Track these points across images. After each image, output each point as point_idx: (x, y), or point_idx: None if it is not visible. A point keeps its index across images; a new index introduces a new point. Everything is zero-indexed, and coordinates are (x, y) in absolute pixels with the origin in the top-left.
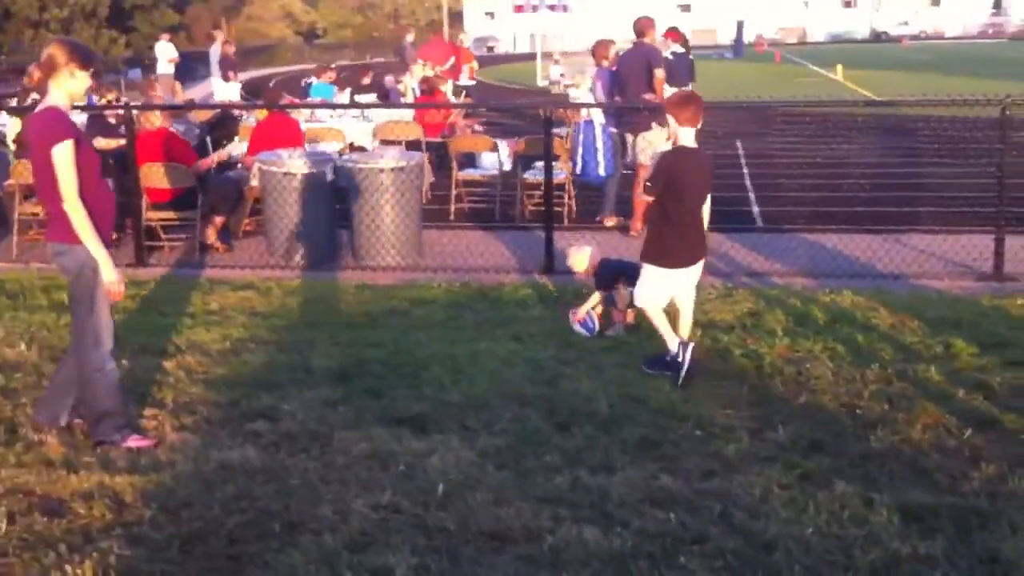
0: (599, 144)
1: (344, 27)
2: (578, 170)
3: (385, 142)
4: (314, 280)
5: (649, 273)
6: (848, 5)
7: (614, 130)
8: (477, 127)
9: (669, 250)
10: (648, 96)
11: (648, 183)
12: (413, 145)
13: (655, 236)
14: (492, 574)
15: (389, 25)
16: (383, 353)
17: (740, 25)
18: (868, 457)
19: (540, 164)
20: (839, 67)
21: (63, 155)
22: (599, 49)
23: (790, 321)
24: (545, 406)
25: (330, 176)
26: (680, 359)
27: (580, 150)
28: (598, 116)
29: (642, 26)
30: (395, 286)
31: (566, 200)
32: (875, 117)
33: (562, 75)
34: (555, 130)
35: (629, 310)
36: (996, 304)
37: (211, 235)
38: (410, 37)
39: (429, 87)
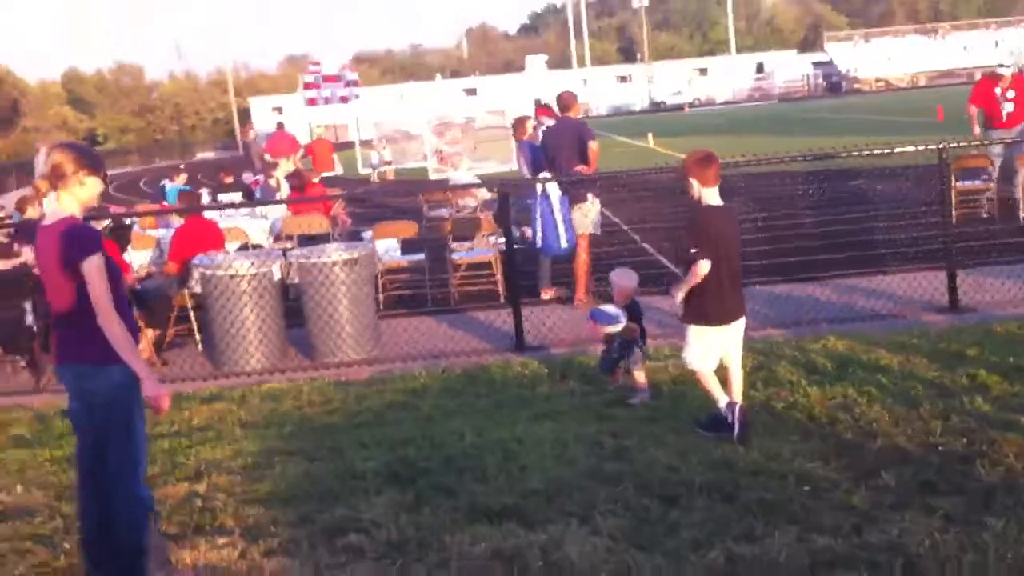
0: (558, 216)
1: (126, 131)
2: (538, 244)
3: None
4: (283, 383)
5: (696, 334)
6: (624, 80)
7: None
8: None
9: (712, 308)
10: (581, 168)
11: (695, 249)
12: (322, 239)
13: (697, 296)
14: None
15: (173, 127)
16: (423, 449)
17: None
18: (991, 491)
19: (467, 244)
20: (650, 136)
21: (95, 267)
22: (519, 125)
23: (801, 370)
24: (634, 481)
25: (278, 275)
26: (730, 420)
27: (539, 224)
28: (554, 189)
29: (567, 100)
30: (374, 380)
31: (498, 277)
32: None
33: (387, 161)
34: (439, 211)
35: (640, 372)
36: (981, 331)
37: (146, 350)
38: (252, 134)
39: (300, 181)
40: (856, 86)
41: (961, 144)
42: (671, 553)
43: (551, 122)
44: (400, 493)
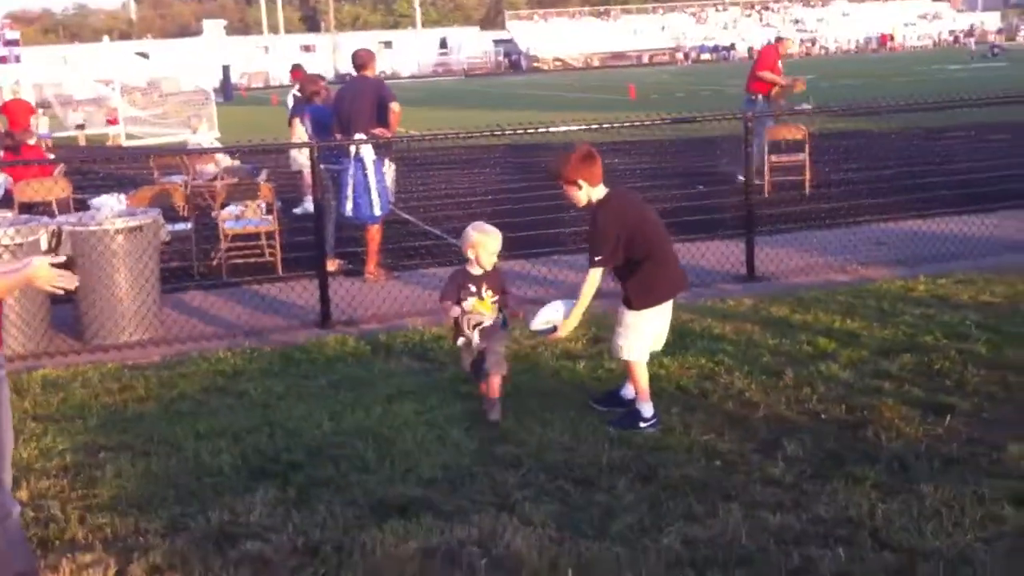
0: (371, 182)
1: None
2: (348, 211)
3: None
4: (59, 369)
5: (639, 320)
6: (308, 49)
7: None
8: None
9: (660, 286)
10: (379, 131)
11: (596, 257)
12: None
13: (642, 281)
14: None
15: None
16: (275, 439)
17: (226, 69)
18: (900, 458)
19: (235, 212)
20: None
21: None
22: (310, 86)
23: None
24: (536, 464)
25: (44, 246)
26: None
27: (350, 189)
28: (368, 153)
29: (363, 59)
30: (169, 363)
31: (277, 249)
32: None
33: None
34: (172, 178)
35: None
36: (792, 299)
37: None
38: None
39: (15, 142)
40: (535, 64)
41: (768, 115)
42: (621, 540)
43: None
44: (277, 490)
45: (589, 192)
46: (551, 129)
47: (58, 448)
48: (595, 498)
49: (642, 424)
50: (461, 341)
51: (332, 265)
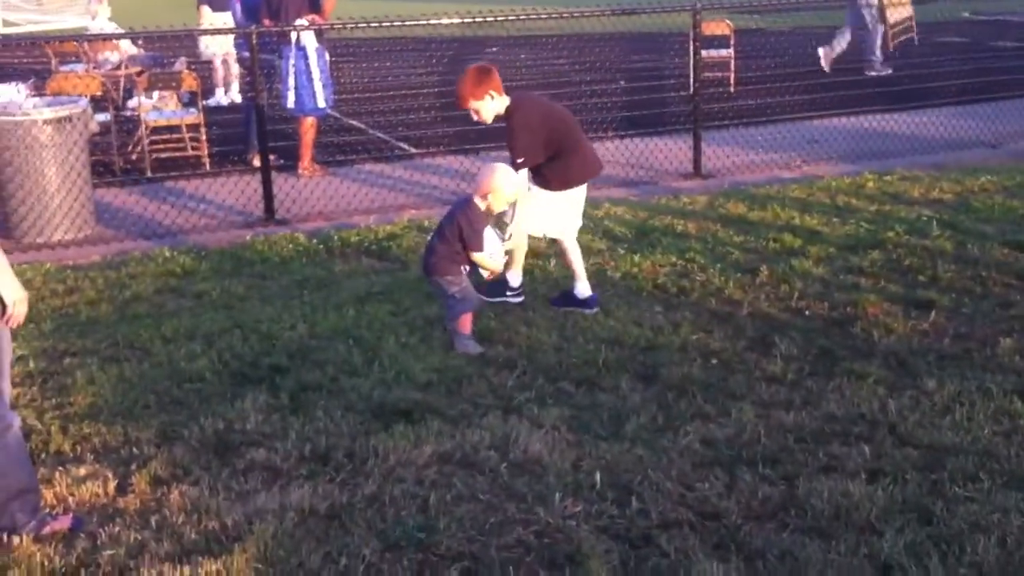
0: (315, 72)
1: None
2: (290, 103)
3: None
4: None
5: (559, 199)
6: None
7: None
8: None
9: (577, 170)
10: (312, 18)
11: (519, 159)
12: None
13: (561, 167)
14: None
15: None
16: (250, 342)
17: None
18: (896, 354)
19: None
20: None
21: None
22: None
23: (605, 239)
24: (532, 366)
25: None
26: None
27: (292, 80)
28: (311, 40)
29: None
30: (111, 263)
31: (203, 143)
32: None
33: None
34: (71, 66)
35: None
36: (746, 195)
37: None
38: None
39: None
40: None
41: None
42: (639, 441)
43: None
44: (268, 396)
45: (499, 103)
46: (508, 18)
47: (16, 354)
48: (600, 399)
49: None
50: (466, 270)
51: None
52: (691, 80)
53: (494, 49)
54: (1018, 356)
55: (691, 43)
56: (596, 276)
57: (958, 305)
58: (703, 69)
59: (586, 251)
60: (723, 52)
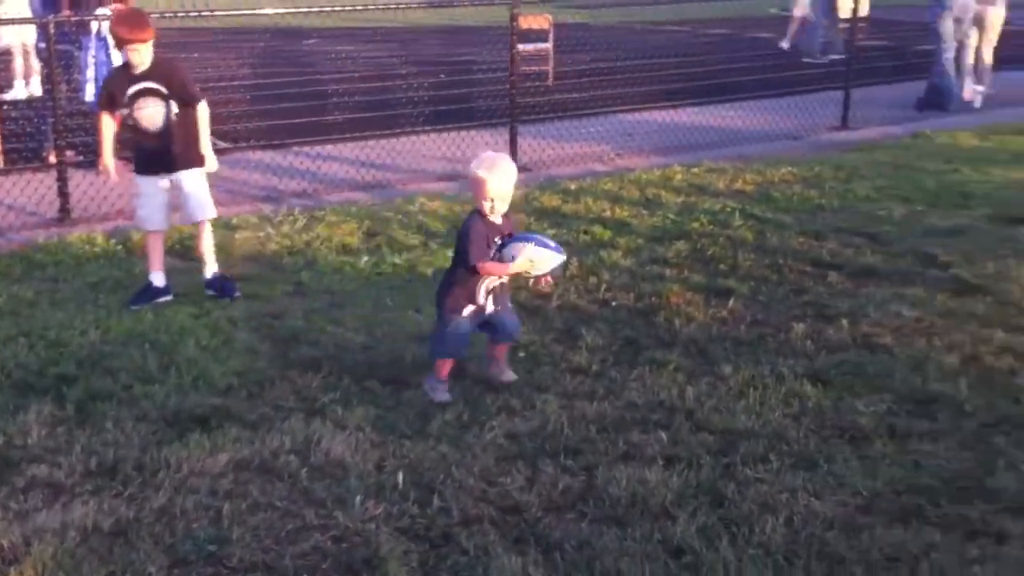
0: (117, 64)
1: None
2: (88, 96)
3: None
4: None
5: (142, 185)
6: None
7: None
8: None
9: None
10: (115, 7)
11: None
12: None
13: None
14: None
15: None
16: (36, 349)
17: None
18: (696, 341)
19: None
20: None
21: None
22: None
23: (415, 233)
24: (339, 366)
25: None
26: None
27: (91, 71)
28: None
29: None
30: None
31: None
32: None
33: None
34: None
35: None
36: (559, 189)
37: None
38: None
39: None
40: None
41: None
42: (443, 438)
43: None
44: (53, 407)
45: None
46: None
47: None
48: (407, 397)
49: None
50: (468, 311)
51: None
52: (512, 74)
53: (313, 40)
54: (809, 341)
55: (509, 37)
56: (409, 272)
57: (755, 292)
58: (521, 63)
59: (399, 246)
60: (541, 46)
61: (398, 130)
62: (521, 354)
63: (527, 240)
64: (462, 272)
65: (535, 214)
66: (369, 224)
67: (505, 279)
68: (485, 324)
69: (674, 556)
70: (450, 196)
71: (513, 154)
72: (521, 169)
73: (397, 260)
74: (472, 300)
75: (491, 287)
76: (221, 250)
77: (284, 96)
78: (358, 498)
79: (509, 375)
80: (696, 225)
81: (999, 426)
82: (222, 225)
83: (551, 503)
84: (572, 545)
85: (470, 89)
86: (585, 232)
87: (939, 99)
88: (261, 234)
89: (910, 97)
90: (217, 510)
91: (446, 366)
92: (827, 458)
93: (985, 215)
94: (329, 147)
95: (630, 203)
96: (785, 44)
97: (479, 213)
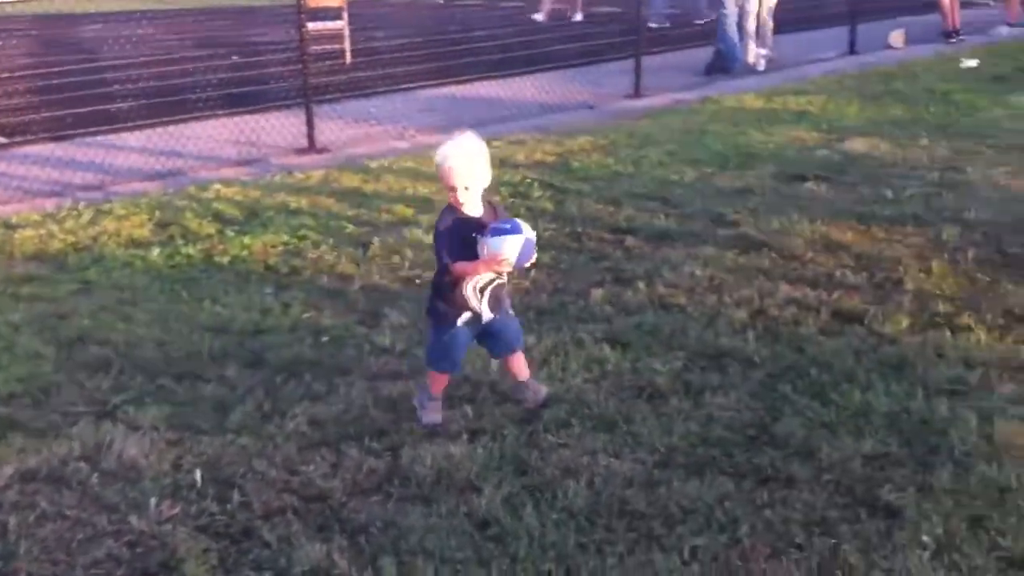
0: None
1: None
2: None
3: None
4: None
5: None
6: None
7: None
8: None
9: None
10: None
11: None
12: None
13: None
14: None
15: None
16: None
17: None
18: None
19: None
20: None
21: None
22: None
23: (214, 221)
24: (134, 366)
25: None
26: None
27: None
28: None
29: None
30: None
31: None
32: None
33: None
34: None
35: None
36: (358, 169)
37: None
38: None
39: None
40: None
41: None
42: (243, 430)
43: None
44: None
45: None
46: None
47: None
48: (204, 392)
49: None
50: (464, 319)
51: None
52: (302, 54)
53: (98, 25)
54: (608, 305)
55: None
56: (204, 263)
57: (557, 261)
58: (314, 42)
59: (194, 236)
60: (335, 24)
61: (187, 115)
62: (324, 338)
63: (505, 232)
64: (441, 276)
65: (335, 195)
66: (160, 215)
67: (504, 277)
68: (483, 334)
69: (480, 528)
70: (246, 182)
71: (309, 135)
72: (320, 150)
73: (191, 251)
74: (464, 306)
75: (481, 286)
76: (0, 252)
77: (65, 85)
78: (153, 500)
79: (540, 391)
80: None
81: (785, 375)
82: (0, 225)
83: (356, 487)
84: (377, 527)
85: (263, 71)
86: (387, 211)
87: (724, 63)
88: (43, 232)
89: (699, 63)
90: (3, 524)
91: (439, 381)
92: (626, 418)
93: (770, 173)
94: (115, 137)
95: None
96: (540, 17)
97: (450, 207)
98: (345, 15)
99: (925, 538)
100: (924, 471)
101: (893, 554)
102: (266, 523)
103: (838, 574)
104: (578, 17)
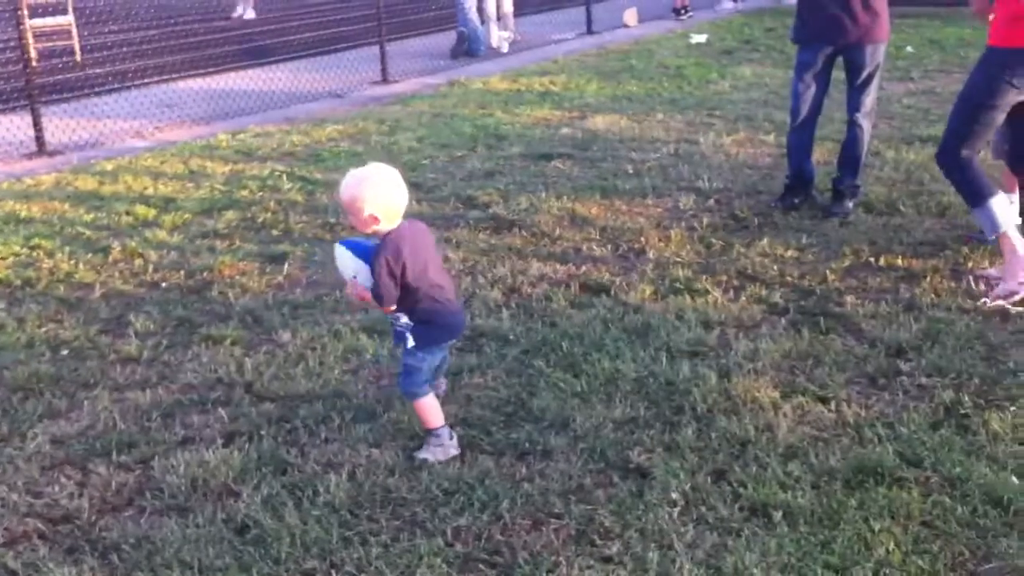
0: None
1: None
2: None
3: None
4: None
5: None
6: None
7: None
8: None
9: None
10: None
11: None
12: None
13: None
14: None
15: None
16: None
17: None
18: (248, 311)
19: None
20: None
21: None
22: None
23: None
24: None
25: None
26: None
27: None
28: None
29: None
30: None
31: None
32: None
33: None
34: None
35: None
36: (102, 169)
37: None
38: None
39: None
40: None
41: None
42: None
43: None
44: None
45: None
46: None
47: None
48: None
49: None
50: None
51: None
52: (24, 52)
53: None
54: None
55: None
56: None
57: (311, 254)
58: (37, 39)
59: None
60: (61, 20)
61: None
62: (64, 351)
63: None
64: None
65: (69, 199)
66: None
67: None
68: None
69: (239, 533)
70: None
71: (38, 138)
72: (51, 153)
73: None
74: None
75: None
76: None
77: None
78: None
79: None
80: (245, 193)
81: (540, 351)
82: None
83: (105, 504)
84: (130, 543)
85: None
86: (127, 213)
87: (468, 47)
88: None
89: (443, 48)
90: None
91: (426, 410)
92: (386, 407)
93: (518, 153)
94: None
95: (174, 177)
96: (248, 14)
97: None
98: (71, 9)
99: (674, 495)
100: (670, 430)
101: (645, 513)
102: (10, 550)
103: (594, 538)
104: (245, 15)
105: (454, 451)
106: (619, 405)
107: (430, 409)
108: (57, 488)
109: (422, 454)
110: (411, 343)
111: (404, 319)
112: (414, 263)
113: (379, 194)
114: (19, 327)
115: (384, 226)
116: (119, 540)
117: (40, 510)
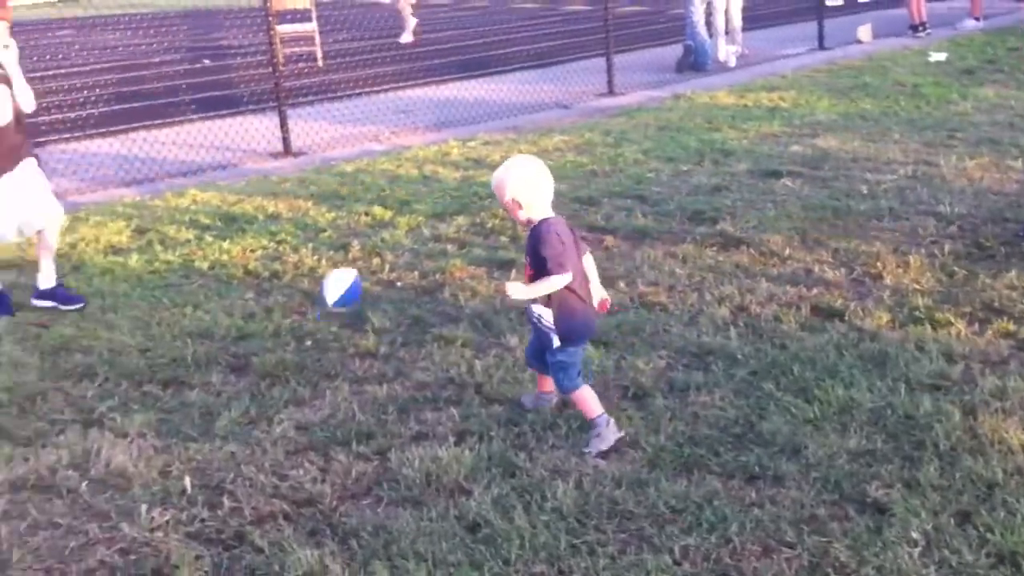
0: None
1: None
2: None
3: None
4: None
5: None
6: None
7: None
8: None
9: None
10: None
11: None
12: None
13: None
14: None
15: None
16: None
17: None
18: (478, 314)
19: None
20: None
21: None
22: None
23: (192, 228)
24: (119, 373)
25: None
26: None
27: None
28: None
29: None
30: None
31: None
32: None
33: None
34: None
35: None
36: (335, 172)
37: None
38: None
39: None
40: None
41: None
42: (230, 436)
43: None
44: None
45: None
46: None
47: None
48: (189, 398)
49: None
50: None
51: None
52: (272, 57)
53: (67, 31)
54: None
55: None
56: (183, 268)
57: None
58: (285, 45)
59: (172, 242)
60: (305, 27)
61: (161, 121)
62: (307, 342)
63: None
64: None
65: (312, 198)
66: (138, 221)
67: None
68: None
69: (470, 531)
70: (222, 186)
71: (285, 138)
72: (296, 153)
73: (170, 257)
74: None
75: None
76: None
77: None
78: (143, 507)
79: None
80: (475, 199)
81: (769, 373)
82: None
83: (345, 491)
84: (368, 531)
85: (234, 74)
86: (365, 214)
87: (695, 61)
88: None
89: (669, 61)
90: None
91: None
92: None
93: (745, 170)
94: (89, 143)
95: (408, 181)
96: (404, 37)
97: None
98: (314, 17)
99: (914, 534)
100: (910, 467)
101: (883, 551)
102: (257, 528)
103: (829, 572)
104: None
105: (614, 436)
106: (854, 435)
107: (589, 399)
108: (301, 472)
109: (589, 448)
110: (556, 343)
111: (547, 318)
112: (569, 252)
113: (520, 178)
114: (266, 316)
115: (536, 215)
116: (358, 527)
117: (285, 492)
